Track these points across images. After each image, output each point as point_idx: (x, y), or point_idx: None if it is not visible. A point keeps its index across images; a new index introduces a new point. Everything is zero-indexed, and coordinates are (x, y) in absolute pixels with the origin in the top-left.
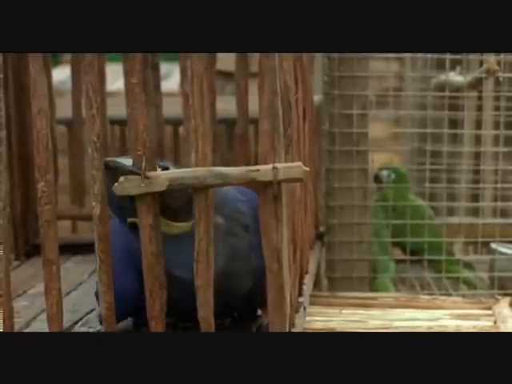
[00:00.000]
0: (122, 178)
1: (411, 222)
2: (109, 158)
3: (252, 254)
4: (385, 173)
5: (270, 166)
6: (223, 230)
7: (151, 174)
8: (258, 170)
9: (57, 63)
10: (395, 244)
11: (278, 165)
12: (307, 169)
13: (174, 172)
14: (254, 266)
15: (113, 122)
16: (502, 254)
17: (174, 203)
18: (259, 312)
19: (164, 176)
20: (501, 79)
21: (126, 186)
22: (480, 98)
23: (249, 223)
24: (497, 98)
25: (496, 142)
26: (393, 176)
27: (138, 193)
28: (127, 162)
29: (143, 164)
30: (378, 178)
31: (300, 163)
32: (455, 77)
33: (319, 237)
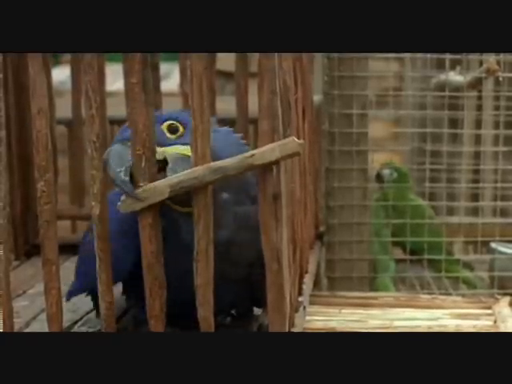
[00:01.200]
0: (123, 197)
1: (411, 221)
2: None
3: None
4: (387, 172)
5: (264, 148)
6: (230, 203)
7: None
8: (253, 155)
9: (57, 63)
10: (395, 244)
11: (271, 145)
12: (301, 141)
13: (173, 177)
14: (258, 237)
15: (112, 122)
16: (501, 253)
17: None
18: (259, 311)
19: (164, 183)
20: (500, 79)
21: (129, 202)
22: (480, 97)
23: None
24: (497, 98)
25: (496, 142)
26: (395, 175)
27: (142, 207)
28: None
29: (143, 163)
30: (379, 177)
31: (293, 137)
32: (455, 76)
33: (319, 236)
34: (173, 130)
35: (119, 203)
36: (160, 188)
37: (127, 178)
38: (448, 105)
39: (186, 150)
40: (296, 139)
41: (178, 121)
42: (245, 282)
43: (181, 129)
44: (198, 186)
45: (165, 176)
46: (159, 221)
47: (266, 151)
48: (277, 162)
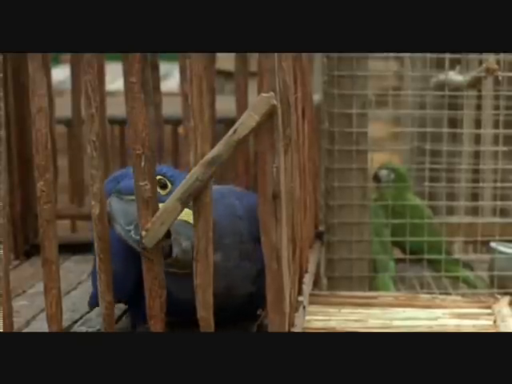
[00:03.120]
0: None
1: (410, 221)
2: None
3: (245, 262)
4: (384, 172)
5: (241, 120)
6: (222, 262)
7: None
8: (235, 131)
9: (57, 62)
10: (394, 244)
11: (245, 113)
12: (269, 94)
13: (177, 190)
14: (252, 271)
15: (112, 121)
16: (501, 253)
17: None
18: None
19: (172, 200)
20: (500, 78)
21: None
22: (479, 97)
23: (245, 240)
24: (496, 97)
25: (495, 141)
26: (392, 176)
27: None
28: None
29: (142, 163)
30: (377, 177)
31: (261, 94)
32: (455, 76)
33: (319, 236)
34: (162, 185)
35: (144, 232)
36: (171, 205)
37: (138, 237)
38: (448, 104)
39: (185, 214)
40: (263, 94)
41: (165, 176)
42: (245, 303)
43: (169, 185)
44: (203, 185)
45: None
46: None
47: (245, 121)
48: (258, 124)
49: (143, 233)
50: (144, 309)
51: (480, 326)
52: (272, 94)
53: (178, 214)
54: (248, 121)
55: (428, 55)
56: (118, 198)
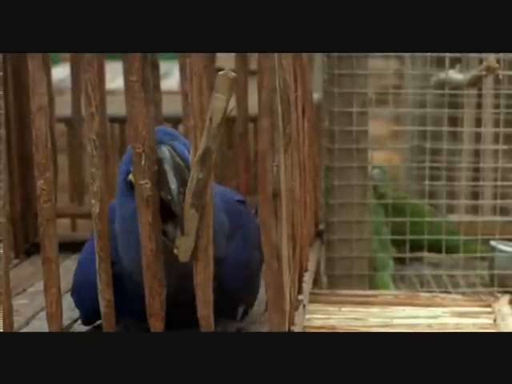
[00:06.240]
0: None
1: (410, 220)
2: None
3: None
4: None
5: (210, 105)
6: None
7: None
8: (210, 119)
9: (57, 61)
10: (393, 243)
11: (212, 100)
12: (225, 71)
13: (186, 200)
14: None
15: (113, 120)
16: (501, 251)
17: None
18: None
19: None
20: (500, 77)
21: (183, 246)
22: (480, 95)
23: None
24: (496, 96)
25: (496, 140)
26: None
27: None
28: None
29: (143, 162)
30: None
31: (218, 73)
32: (455, 74)
33: (319, 234)
34: None
35: (175, 250)
36: (187, 215)
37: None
38: (448, 103)
39: None
40: (219, 72)
41: None
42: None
43: None
44: (204, 183)
45: None
46: (159, 219)
47: (214, 105)
48: (227, 102)
49: (175, 251)
50: (125, 305)
51: (480, 324)
52: (227, 69)
53: (197, 220)
54: (218, 104)
55: (428, 54)
56: (172, 154)
